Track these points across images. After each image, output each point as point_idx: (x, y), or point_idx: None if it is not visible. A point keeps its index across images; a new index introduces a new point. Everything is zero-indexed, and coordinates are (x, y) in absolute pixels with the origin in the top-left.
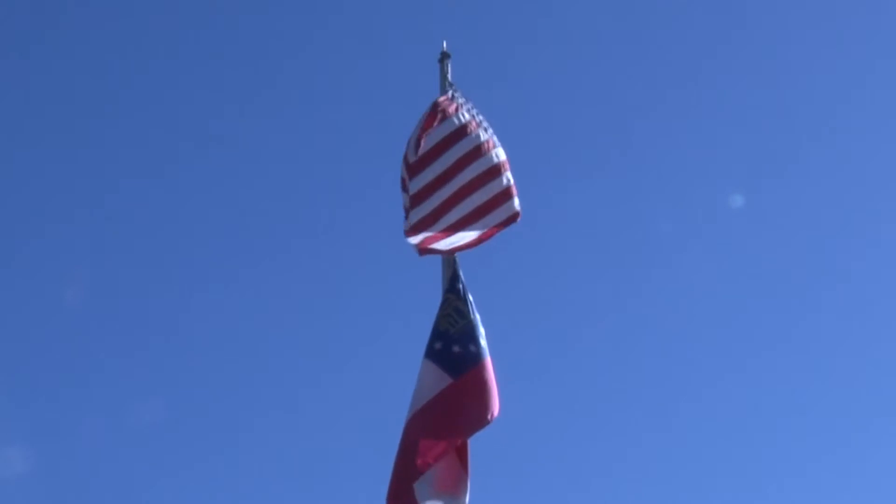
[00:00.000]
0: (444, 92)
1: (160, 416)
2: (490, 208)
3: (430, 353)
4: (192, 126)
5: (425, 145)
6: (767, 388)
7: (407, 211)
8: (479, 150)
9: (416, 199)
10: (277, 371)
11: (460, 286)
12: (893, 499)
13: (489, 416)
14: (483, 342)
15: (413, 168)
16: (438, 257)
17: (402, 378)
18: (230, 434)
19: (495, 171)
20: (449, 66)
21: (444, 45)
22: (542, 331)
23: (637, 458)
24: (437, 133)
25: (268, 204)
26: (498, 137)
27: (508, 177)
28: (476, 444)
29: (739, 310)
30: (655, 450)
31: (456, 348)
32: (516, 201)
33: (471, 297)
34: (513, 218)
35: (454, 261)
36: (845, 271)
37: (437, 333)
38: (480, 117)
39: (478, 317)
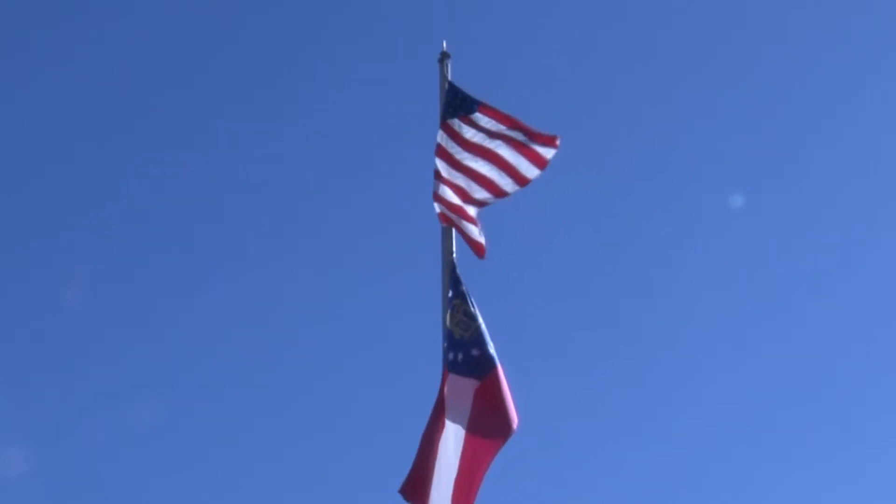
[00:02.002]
0: (443, 92)
1: (160, 416)
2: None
3: (453, 366)
4: (193, 126)
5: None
6: (767, 388)
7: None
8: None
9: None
10: (277, 371)
11: (464, 289)
12: (894, 499)
13: (513, 426)
14: (492, 350)
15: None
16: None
17: (401, 378)
18: (230, 434)
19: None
20: (449, 66)
21: (444, 45)
22: (542, 330)
23: (636, 458)
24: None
25: (268, 204)
26: None
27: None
28: None
29: (739, 310)
30: (655, 449)
31: (475, 351)
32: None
33: (474, 301)
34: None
35: (453, 263)
36: (845, 271)
37: (454, 343)
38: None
39: (482, 323)
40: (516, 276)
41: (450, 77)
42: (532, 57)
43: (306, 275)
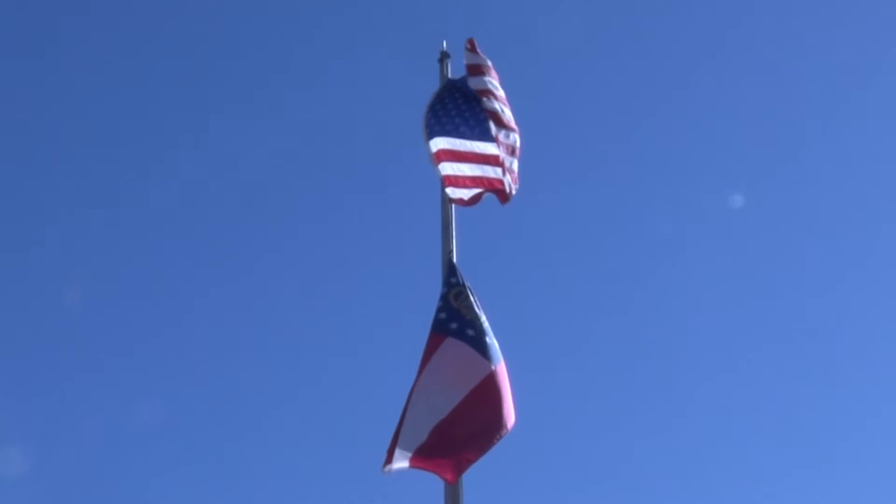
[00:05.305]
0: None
1: (160, 416)
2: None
3: (466, 338)
4: (192, 126)
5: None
6: (767, 388)
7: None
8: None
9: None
10: (277, 371)
11: (468, 289)
12: (894, 499)
13: (509, 424)
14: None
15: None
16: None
17: (402, 378)
18: (230, 434)
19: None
20: (449, 66)
21: (444, 45)
22: (542, 330)
23: (636, 458)
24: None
25: (268, 204)
26: None
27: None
28: None
29: (739, 310)
30: (655, 449)
31: (488, 339)
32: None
33: (477, 301)
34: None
35: (451, 262)
36: (845, 271)
37: (465, 321)
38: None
39: (485, 321)
40: (515, 276)
41: (450, 77)
42: (532, 57)
43: (307, 274)
